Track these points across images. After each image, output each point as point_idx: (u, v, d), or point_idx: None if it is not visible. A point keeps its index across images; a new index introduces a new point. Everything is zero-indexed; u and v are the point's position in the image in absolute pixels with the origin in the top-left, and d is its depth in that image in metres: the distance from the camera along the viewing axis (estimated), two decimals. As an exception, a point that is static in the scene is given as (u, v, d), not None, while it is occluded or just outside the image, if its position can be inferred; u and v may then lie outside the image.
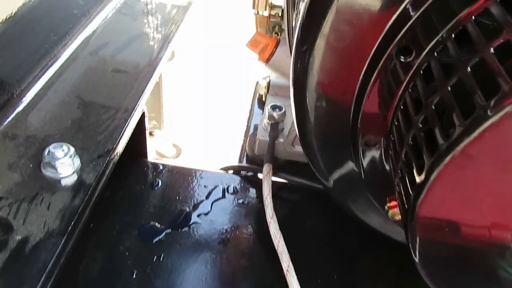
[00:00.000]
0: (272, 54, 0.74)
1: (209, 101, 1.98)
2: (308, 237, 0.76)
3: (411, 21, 0.40)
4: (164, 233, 0.72)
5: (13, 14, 0.73)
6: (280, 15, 0.78)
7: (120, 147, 0.68)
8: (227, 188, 0.82)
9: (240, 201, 0.80)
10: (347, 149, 0.53)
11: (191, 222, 0.74)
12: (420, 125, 0.38)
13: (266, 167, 0.75)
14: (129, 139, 0.72)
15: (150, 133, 1.33)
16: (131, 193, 0.78)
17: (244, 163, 0.89)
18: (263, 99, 0.96)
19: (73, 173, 0.61)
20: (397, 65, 0.42)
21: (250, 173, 0.84)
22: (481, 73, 0.33)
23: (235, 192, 0.81)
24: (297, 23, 0.48)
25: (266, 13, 0.76)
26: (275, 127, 0.81)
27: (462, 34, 0.38)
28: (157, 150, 1.66)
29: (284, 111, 0.82)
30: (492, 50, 0.31)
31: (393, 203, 0.54)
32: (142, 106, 0.76)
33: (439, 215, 0.38)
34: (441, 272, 0.44)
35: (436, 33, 0.39)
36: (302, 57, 0.47)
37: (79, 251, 0.65)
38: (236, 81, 1.97)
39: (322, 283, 0.68)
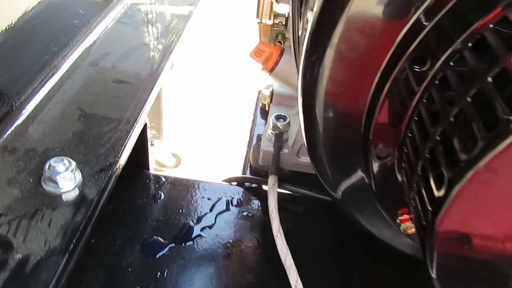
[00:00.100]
0: (276, 63, 0.72)
1: (209, 110, 1.97)
2: (315, 251, 0.74)
3: (426, 31, 0.39)
4: (167, 248, 0.70)
5: (12, 24, 0.72)
6: (283, 23, 0.77)
7: (123, 160, 0.67)
8: (231, 200, 0.80)
9: (245, 213, 0.78)
10: (357, 160, 0.51)
11: (195, 236, 0.73)
12: (438, 138, 0.36)
13: (272, 179, 0.73)
14: (131, 151, 0.70)
15: (150, 143, 1.31)
16: (133, 206, 0.76)
17: (248, 174, 0.88)
18: (266, 108, 0.94)
19: (74, 187, 0.59)
20: (411, 75, 0.41)
21: (254, 185, 0.82)
22: (502, 83, 0.31)
23: (239, 204, 0.80)
24: (306, 32, 0.46)
25: (270, 22, 0.75)
26: (280, 137, 0.79)
27: (476, 43, 0.37)
28: (157, 160, 1.65)
29: (289, 121, 0.80)
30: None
31: (405, 216, 0.53)
32: (144, 117, 0.75)
33: (459, 230, 0.36)
34: (458, 286, 0.42)
35: (451, 43, 0.38)
36: (312, 67, 0.46)
37: (80, 268, 0.63)
38: (237, 90, 1.96)
39: (331, 299, 0.66)
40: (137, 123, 0.72)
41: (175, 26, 1.03)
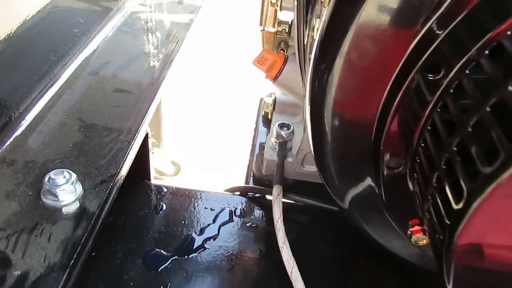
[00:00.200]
0: (280, 71, 0.71)
1: (209, 118, 1.96)
2: (320, 262, 0.72)
3: (439, 39, 0.38)
4: (170, 261, 0.68)
5: (11, 33, 0.71)
6: (287, 31, 0.76)
7: (124, 171, 0.65)
8: (235, 211, 0.78)
9: (248, 224, 0.77)
10: (366, 170, 0.50)
11: (198, 248, 0.71)
12: (455, 148, 0.35)
13: (276, 189, 0.72)
14: (132, 161, 0.69)
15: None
16: (134, 218, 0.74)
17: (251, 184, 0.86)
18: (269, 116, 0.93)
19: (75, 200, 0.57)
20: (424, 84, 0.40)
21: (257, 195, 0.81)
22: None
23: (242, 214, 0.78)
24: (314, 40, 0.45)
25: (273, 30, 0.74)
26: (284, 146, 0.78)
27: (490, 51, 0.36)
28: (156, 168, 1.63)
29: (293, 130, 0.79)
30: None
31: (417, 227, 0.51)
32: (145, 127, 0.74)
33: (478, 243, 0.35)
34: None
35: (466, 50, 0.37)
36: (320, 76, 0.44)
37: (80, 283, 0.61)
38: (238, 98, 1.95)
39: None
40: (138, 133, 0.71)
41: (176, 34, 1.02)
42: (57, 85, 0.76)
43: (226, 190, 0.83)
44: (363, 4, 0.39)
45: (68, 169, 0.59)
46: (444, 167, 0.36)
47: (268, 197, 0.79)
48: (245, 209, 0.79)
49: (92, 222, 0.56)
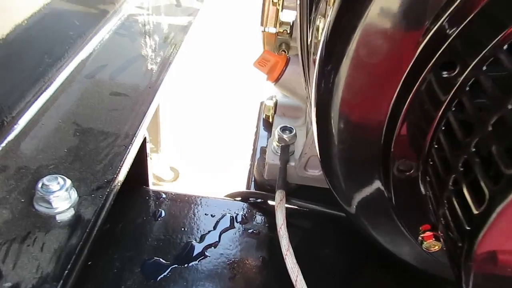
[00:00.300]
0: (282, 73, 0.69)
1: (208, 122, 1.94)
2: (325, 269, 0.71)
3: (453, 35, 0.36)
4: (169, 269, 0.66)
5: (4, 36, 0.69)
6: (288, 32, 0.74)
7: (121, 176, 0.63)
8: (236, 217, 0.77)
9: (250, 230, 0.75)
10: (374, 173, 0.48)
11: (198, 256, 0.69)
12: (473, 149, 0.33)
13: (279, 194, 0.69)
14: (130, 166, 0.67)
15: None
16: (132, 225, 0.72)
17: (252, 189, 0.84)
18: (270, 120, 0.91)
19: (69, 207, 0.56)
20: (437, 82, 0.38)
21: (259, 200, 0.79)
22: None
23: (244, 221, 0.76)
24: (319, 40, 0.43)
25: (274, 30, 0.72)
26: (286, 150, 0.76)
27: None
28: (154, 174, 1.61)
29: (295, 133, 0.77)
30: None
31: (428, 233, 0.49)
32: (143, 131, 0.72)
33: (501, 249, 0.32)
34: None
35: (482, 47, 0.35)
36: (327, 76, 0.43)
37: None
38: (237, 101, 1.93)
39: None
40: (136, 137, 0.69)
41: (174, 37, 1.00)
42: (52, 89, 0.74)
43: (227, 196, 0.81)
44: (371, 1, 0.37)
45: (62, 175, 0.57)
46: (461, 169, 0.34)
47: (270, 202, 0.77)
48: (246, 215, 0.77)
49: (87, 230, 0.54)
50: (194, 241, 0.71)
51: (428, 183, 0.43)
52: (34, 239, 0.51)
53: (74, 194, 0.56)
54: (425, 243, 0.49)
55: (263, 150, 0.88)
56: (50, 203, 0.54)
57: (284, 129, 0.77)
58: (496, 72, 0.35)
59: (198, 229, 0.73)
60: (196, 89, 2.02)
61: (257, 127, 0.98)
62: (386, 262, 0.65)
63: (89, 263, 0.64)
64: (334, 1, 0.41)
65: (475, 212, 0.32)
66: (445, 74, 0.37)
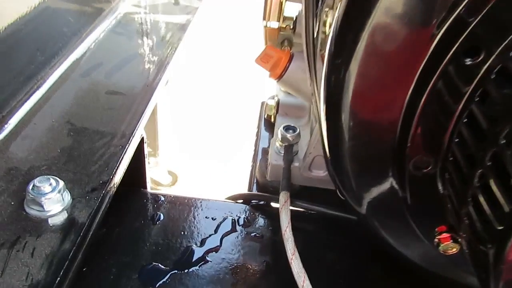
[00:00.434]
0: (285, 69, 0.67)
1: (207, 123, 1.91)
2: (332, 274, 0.68)
3: (477, 20, 0.33)
4: (168, 275, 0.64)
5: (-5, 32, 0.66)
6: (291, 27, 0.72)
7: (117, 178, 0.61)
8: (238, 220, 0.74)
9: (253, 234, 0.72)
10: (388, 171, 0.45)
11: (199, 261, 0.67)
12: (504, 140, 0.30)
13: (283, 196, 0.67)
14: (127, 168, 0.64)
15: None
16: (129, 229, 0.70)
17: (254, 191, 0.81)
18: (272, 120, 0.88)
19: (62, 210, 0.53)
20: (458, 72, 0.35)
21: (261, 202, 0.76)
22: None
23: (246, 224, 0.74)
24: (328, 35, 0.41)
25: (276, 25, 0.70)
26: (290, 150, 0.73)
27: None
28: (152, 178, 1.58)
29: (299, 132, 0.74)
30: None
31: (445, 235, 0.46)
32: (141, 131, 0.69)
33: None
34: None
35: (508, 32, 0.32)
36: (337, 71, 0.41)
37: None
38: (238, 102, 1.90)
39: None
40: (133, 136, 0.66)
41: (172, 36, 0.97)
42: (45, 87, 0.71)
43: (228, 198, 0.78)
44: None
45: (55, 176, 0.54)
46: (489, 163, 0.31)
47: (274, 204, 0.74)
48: (249, 218, 0.74)
49: (81, 234, 0.51)
50: (194, 245, 0.68)
51: (448, 180, 0.40)
52: (24, 244, 0.49)
53: (67, 196, 0.54)
54: (442, 245, 0.46)
55: (265, 151, 0.85)
56: (41, 206, 0.52)
57: (287, 128, 0.75)
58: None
59: (198, 233, 0.70)
60: (194, 90, 2.00)
61: (258, 127, 0.96)
62: (394, 266, 0.64)
63: (84, 269, 0.62)
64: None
65: (507, 209, 0.29)
66: (468, 61, 0.34)
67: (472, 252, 0.36)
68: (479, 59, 0.34)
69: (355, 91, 0.41)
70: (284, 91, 0.88)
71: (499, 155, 0.30)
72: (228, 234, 0.71)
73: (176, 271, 0.64)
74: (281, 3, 0.66)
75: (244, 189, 0.85)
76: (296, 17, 0.73)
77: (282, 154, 0.75)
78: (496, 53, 0.33)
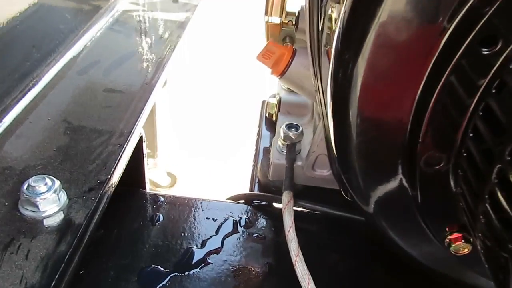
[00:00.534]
0: (288, 66, 0.65)
1: (207, 123, 1.89)
2: (335, 274, 0.67)
3: (492, 10, 0.32)
4: (168, 278, 0.63)
5: (-11, 28, 0.64)
6: (294, 23, 0.70)
7: (115, 178, 0.59)
8: (239, 221, 0.73)
9: (255, 235, 0.70)
10: (397, 168, 0.43)
11: (199, 263, 0.65)
12: (525, 134, 0.28)
13: (286, 195, 0.65)
14: (125, 167, 0.62)
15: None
16: (128, 231, 0.68)
17: (256, 191, 0.79)
18: (273, 118, 0.87)
19: (58, 211, 0.52)
20: (474, 63, 0.34)
21: (263, 202, 0.74)
22: None
23: (248, 225, 0.72)
24: (334, 31, 0.40)
25: (278, 20, 0.68)
26: (292, 148, 0.72)
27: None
28: (151, 179, 1.56)
29: (302, 130, 0.73)
30: None
31: (456, 235, 0.45)
32: (139, 129, 0.67)
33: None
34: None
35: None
36: (345, 66, 0.39)
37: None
38: (238, 101, 1.88)
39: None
40: (132, 135, 0.64)
41: (171, 33, 0.96)
42: (41, 85, 0.70)
43: (229, 198, 0.77)
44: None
45: (51, 175, 0.53)
46: (509, 158, 0.30)
47: (276, 204, 0.73)
48: (250, 218, 0.73)
49: (78, 235, 0.50)
50: (195, 247, 0.67)
51: (461, 177, 0.38)
52: (18, 246, 0.47)
53: (63, 197, 0.52)
54: (453, 245, 0.45)
55: (267, 150, 0.84)
56: (36, 206, 0.50)
57: (290, 126, 0.73)
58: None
59: (199, 234, 0.69)
60: (193, 89, 1.98)
61: (259, 126, 0.94)
62: (398, 267, 0.62)
63: (81, 272, 0.60)
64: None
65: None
66: (485, 51, 0.32)
67: (488, 252, 0.34)
68: (496, 48, 0.32)
69: (363, 86, 0.39)
70: (285, 89, 0.87)
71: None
72: (230, 235, 0.69)
73: (176, 273, 0.62)
74: (283, -3, 0.65)
75: (245, 189, 0.83)
76: (299, 13, 0.71)
77: (284, 153, 0.73)
78: (514, 42, 0.31)
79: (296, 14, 0.71)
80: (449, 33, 0.34)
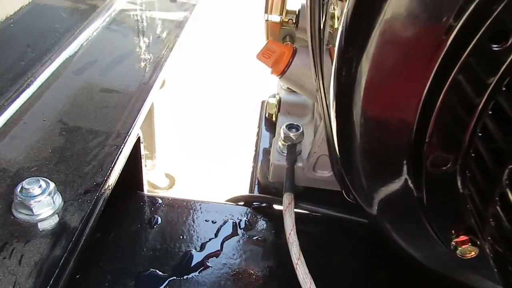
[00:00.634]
0: (288, 65, 0.64)
1: (206, 124, 1.88)
2: (336, 277, 0.66)
3: (502, 6, 0.31)
4: (166, 282, 0.61)
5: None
6: (294, 21, 0.69)
7: (112, 179, 0.58)
8: (239, 223, 0.72)
9: (255, 238, 0.69)
10: (402, 169, 0.42)
11: (198, 266, 0.64)
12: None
13: (287, 197, 0.64)
14: (122, 169, 0.61)
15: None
16: (125, 233, 0.67)
17: (256, 193, 0.78)
18: (273, 119, 0.86)
19: (53, 214, 0.50)
20: (483, 60, 0.33)
21: (263, 204, 0.73)
22: None
23: (248, 227, 0.71)
24: (337, 29, 0.39)
25: (278, 19, 0.67)
26: (293, 149, 0.70)
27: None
28: (149, 181, 1.55)
29: (302, 131, 0.71)
30: None
31: (462, 237, 0.44)
32: (137, 130, 0.66)
33: None
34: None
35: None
36: (348, 64, 0.38)
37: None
38: (237, 101, 1.87)
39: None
40: (129, 136, 0.63)
41: (169, 33, 0.95)
42: (36, 84, 0.68)
43: (228, 200, 0.76)
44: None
45: (45, 177, 0.51)
46: (521, 158, 0.28)
47: (276, 206, 0.72)
48: (250, 220, 0.72)
49: (73, 240, 0.48)
50: (193, 250, 0.66)
51: (469, 178, 0.37)
52: (11, 251, 0.46)
53: (58, 199, 0.51)
54: (460, 248, 0.43)
55: (267, 151, 0.83)
56: (30, 209, 0.49)
57: (290, 127, 0.72)
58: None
59: (198, 237, 0.68)
60: (192, 89, 1.96)
61: (259, 127, 0.93)
62: (401, 269, 0.62)
63: (77, 276, 0.59)
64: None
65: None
66: (495, 47, 0.31)
67: (497, 256, 0.33)
68: (508, 44, 0.31)
69: (368, 85, 0.38)
70: (285, 89, 0.86)
71: (533, 149, 0.28)
72: (229, 238, 0.68)
73: (174, 277, 0.61)
74: (284, -5, 0.64)
75: (245, 191, 0.82)
76: (299, 11, 0.70)
77: (285, 154, 0.72)
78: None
79: (297, 13, 0.70)
80: (456, 29, 0.33)
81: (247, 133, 1.06)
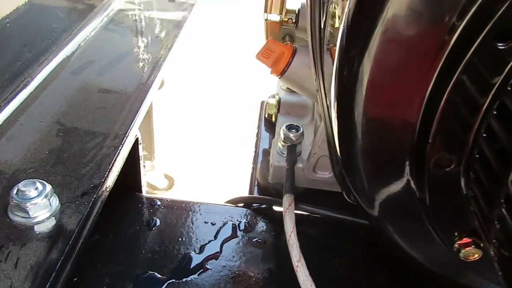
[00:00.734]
0: (288, 65, 0.63)
1: (205, 124, 1.87)
2: (336, 280, 0.65)
3: (505, 6, 0.30)
4: (165, 284, 0.61)
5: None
6: (294, 21, 0.68)
7: (110, 181, 0.57)
8: (238, 225, 0.71)
9: (255, 240, 0.69)
10: (405, 170, 0.42)
11: (197, 269, 0.63)
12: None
13: (287, 199, 0.63)
14: (121, 170, 0.60)
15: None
16: (124, 236, 0.66)
17: (255, 194, 0.77)
18: (273, 119, 0.85)
19: (49, 217, 0.49)
20: (487, 60, 0.32)
21: (263, 206, 0.72)
22: None
23: (247, 229, 0.70)
24: (338, 28, 0.38)
25: (277, 18, 0.66)
26: (293, 150, 0.70)
27: None
28: (148, 182, 1.54)
29: (302, 131, 0.71)
30: None
31: (465, 240, 0.43)
32: (135, 131, 0.65)
33: None
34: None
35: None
36: (350, 64, 0.38)
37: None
38: (236, 102, 1.86)
39: None
40: (127, 137, 0.62)
41: (167, 33, 0.94)
42: (33, 85, 0.68)
43: (228, 202, 0.75)
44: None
45: (42, 179, 0.51)
46: (528, 159, 0.28)
47: (276, 208, 0.71)
48: (250, 222, 0.71)
49: (70, 242, 0.48)
50: (193, 252, 0.65)
51: (473, 180, 0.36)
52: (7, 254, 0.45)
53: (55, 201, 0.50)
54: (463, 251, 0.43)
55: (266, 152, 0.82)
56: (27, 212, 0.48)
57: (290, 127, 0.71)
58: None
59: (197, 239, 0.67)
60: (191, 89, 1.96)
61: (259, 128, 0.92)
62: (402, 271, 0.62)
63: (75, 279, 0.58)
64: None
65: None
66: (501, 46, 0.30)
67: (502, 259, 0.32)
68: (513, 43, 0.30)
69: (369, 85, 0.37)
70: (285, 89, 0.85)
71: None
72: (229, 240, 0.67)
73: (173, 280, 0.61)
74: (283, -6, 0.63)
75: (244, 192, 0.81)
76: (299, 10, 0.70)
77: (285, 155, 0.71)
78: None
79: (296, 12, 0.69)
80: (460, 29, 0.33)
81: (246, 133, 1.06)
